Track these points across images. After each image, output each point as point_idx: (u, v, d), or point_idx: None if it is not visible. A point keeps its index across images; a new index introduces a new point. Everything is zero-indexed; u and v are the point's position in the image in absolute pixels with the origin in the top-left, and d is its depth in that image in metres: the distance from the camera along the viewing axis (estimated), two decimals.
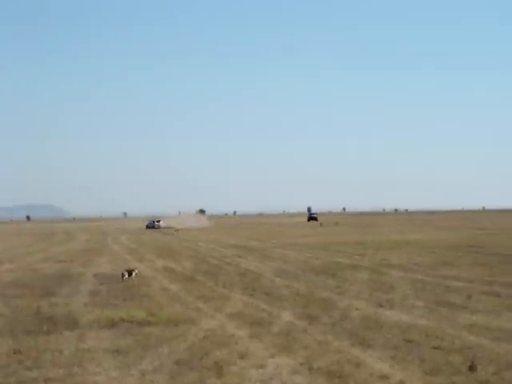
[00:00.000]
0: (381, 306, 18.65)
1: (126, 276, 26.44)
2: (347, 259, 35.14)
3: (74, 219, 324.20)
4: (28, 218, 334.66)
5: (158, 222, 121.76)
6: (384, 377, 10.91)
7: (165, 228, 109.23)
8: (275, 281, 25.45)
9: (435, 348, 12.96)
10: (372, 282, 24.28)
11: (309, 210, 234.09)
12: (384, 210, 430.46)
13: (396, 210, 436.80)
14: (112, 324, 16.30)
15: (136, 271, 27.26)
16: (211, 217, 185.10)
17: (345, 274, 27.46)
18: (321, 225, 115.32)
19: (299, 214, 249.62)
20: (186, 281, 26.10)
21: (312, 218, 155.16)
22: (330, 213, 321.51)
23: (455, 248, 42.11)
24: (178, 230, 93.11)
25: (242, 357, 12.52)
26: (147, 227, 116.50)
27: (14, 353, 13.25)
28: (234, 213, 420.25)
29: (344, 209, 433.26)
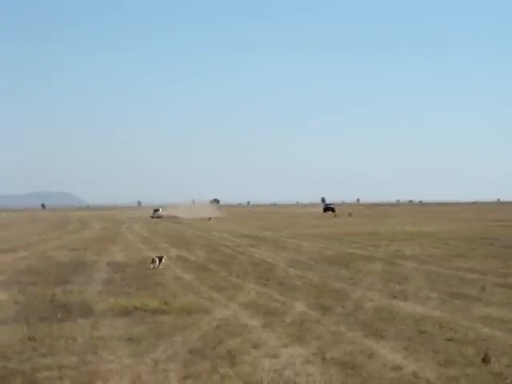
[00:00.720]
0: (394, 297, 18.63)
1: (157, 262, 26.95)
2: (361, 250, 35.10)
3: (89, 207, 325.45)
4: (43, 205, 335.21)
5: (157, 210, 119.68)
6: (397, 368, 10.90)
7: (169, 217, 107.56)
8: (288, 271, 25.46)
9: (449, 339, 12.94)
10: (386, 273, 24.25)
11: (323, 200, 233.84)
12: (398, 201, 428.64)
13: (410, 201, 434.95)
14: (126, 312, 16.37)
15: (165, 257, 27.79)
16: (222, 206, 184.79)
17: (358, 264, 27.42)
18: (335, 215, 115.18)
19: (312, 205, 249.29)
20: (200, 270, 26.15)
21: (328, 208, 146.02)
22: (343, 204, 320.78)
23: (469, 240, 41.96)
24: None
25: (255, 346, 12.55)
26: (151, 217, 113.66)
27: (29, 340, 13.33)
28: (248, 203, 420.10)
29: (358, 200, 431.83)
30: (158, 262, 26.94)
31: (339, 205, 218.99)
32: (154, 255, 28.60)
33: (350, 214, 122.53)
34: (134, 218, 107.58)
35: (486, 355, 11.36)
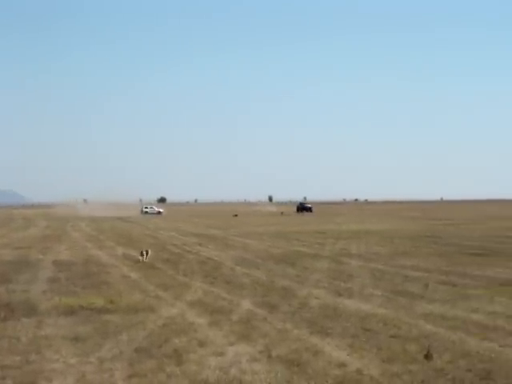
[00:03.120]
0: (340, 294, 18.79)
1: (145, 256, 28.70)
2: (307, 248, 35.34)
3: (33, 205, 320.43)
4: None
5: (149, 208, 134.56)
6: (342, 365, 10.99)
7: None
8: (235, 269, 25.49)
9: (392, 337, 13.10)
10: (331, 271, 24.45)
11: (270, 198, 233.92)
12: (344, 199, 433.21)
13: (356, 199, 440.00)
14: (71, 311, 16.17)
15: (149, 252, 29.44)
16: (167, 205, 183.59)
17: (304, 262, 27.60)
18: (281, 214, 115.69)
19: (260, 203, 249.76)
20: (146, 268, 26.00)
21: (304, 208, 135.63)
22: (290, 202, 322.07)
23: (414, 238, 42.62)
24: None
25: (201, 345, 12.52)
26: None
27: None
28: (196, 201, 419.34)
29: (305, 198, 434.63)
30: (145, 256, 28.51)
31: (285, 204, 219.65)
32: (142, 249, 30.12)
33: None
34: (80, 217, 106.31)
35: (428, 352, 11.53)
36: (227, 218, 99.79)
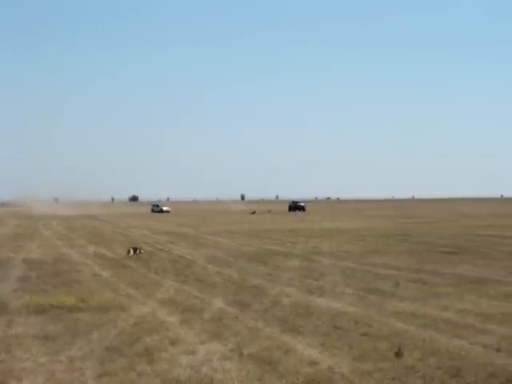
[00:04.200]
0: (311, 293, 18.84)
1: (132, 253, 29.55)
2: (279, 247, 35.39)
3: (4, 204, 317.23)
4: None
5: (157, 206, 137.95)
6: (313, 363, 11.02)
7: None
8: (207, 267, 25.46)
9: (363, 335, 13.16)
10: (303, 270, 24.51)
11: (242, 197, 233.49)
12: (316, 198, 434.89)
13: (328, 198, 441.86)
14: (41, 310, 16.03)
15: (141, 249, 30.63)
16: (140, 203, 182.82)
17: (276, 261, 27.64)
18: (254, 212, 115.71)
19: (232, 202, 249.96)
20: (118, 267, 25.88)
21: (297, 206, 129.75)
22: (263, 200, 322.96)
23: (385, 236, 42.87)
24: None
25: (172, 343, 12.49)
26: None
27: None
28: (168, 199, 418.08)
29: (277, 197, 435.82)
30: (132, 253, 29.67)
31: (258, 202, 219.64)
32: (130, 246, 31.53)
33: (269, 211, 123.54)
34: (52, 215, 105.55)
35: (399, 349, 11.60)
36: (199, 216, 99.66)
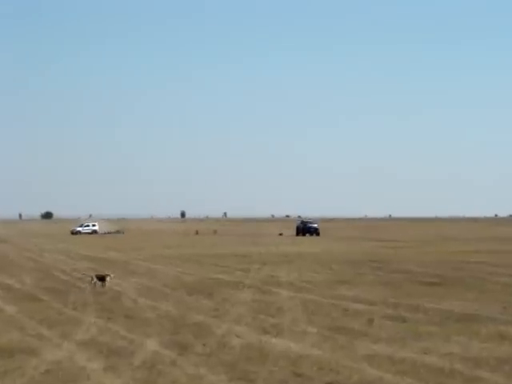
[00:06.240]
0: (266, 332, 18.80)
1: (96, 282, 29.23)
2: (227, 275, 35.32)
3: None
4: None
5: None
6: None
7: None
8: (138, 301, 25.28)
9: (329, 383, 13.16)
10: (256, 304, 24.48)
11: (183, 214, 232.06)
12: (273, 216, 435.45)
13: (287, 216, 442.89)
14: None
15: (111, 276, 30.28)
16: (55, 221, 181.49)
17: (224, 293, 27.57)
18: (196, 233, 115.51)
19: (170, 220, 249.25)
20: (26, 300, 25.56)
21: (308, 229, 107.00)
22: (208, 218, 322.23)
23: (355, 263, 43.08)
24: None
25: None
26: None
27: None
28: (90, 216, 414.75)
29: (225, 214, 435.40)
30: (96, 280, 29.38)
31: (202, 220, 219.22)
32: (93, 274, 31.30)
33: (214, 232, 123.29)
34: None
35: None
36: (130, 237, 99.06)
